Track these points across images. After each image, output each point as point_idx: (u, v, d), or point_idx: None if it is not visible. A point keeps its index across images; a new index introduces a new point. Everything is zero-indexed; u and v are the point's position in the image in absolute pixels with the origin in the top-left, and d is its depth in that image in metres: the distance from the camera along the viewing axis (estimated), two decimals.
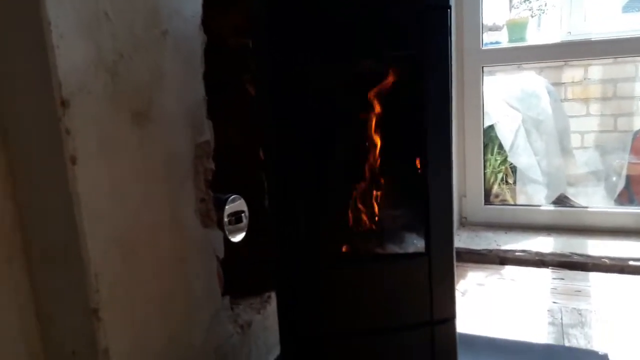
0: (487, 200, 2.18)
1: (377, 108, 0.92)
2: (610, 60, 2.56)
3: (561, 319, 1.38)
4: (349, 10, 0.83)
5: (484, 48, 1.99)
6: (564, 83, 2.74)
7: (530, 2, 3.01)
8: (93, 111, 0.72)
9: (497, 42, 2.54)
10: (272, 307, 1.24)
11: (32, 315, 0.78)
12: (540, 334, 1.31)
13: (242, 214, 1.12)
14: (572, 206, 2.30)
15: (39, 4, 0.65)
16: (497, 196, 2.60)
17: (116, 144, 0.77)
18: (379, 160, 0.96)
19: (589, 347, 1.23)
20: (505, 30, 2.64)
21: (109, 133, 0.75)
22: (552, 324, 1.36)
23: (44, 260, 0.76)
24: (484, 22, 2.01)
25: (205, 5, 0.97)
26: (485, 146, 2.17)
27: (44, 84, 0.67)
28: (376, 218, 1.01)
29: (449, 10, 0.84)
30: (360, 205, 0.98)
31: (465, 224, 2.10)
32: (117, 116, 0.77)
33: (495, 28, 2.73)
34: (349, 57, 0.88)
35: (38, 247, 0.75)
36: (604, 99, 2.70)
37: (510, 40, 2.52)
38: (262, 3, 0.82)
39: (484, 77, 2.02)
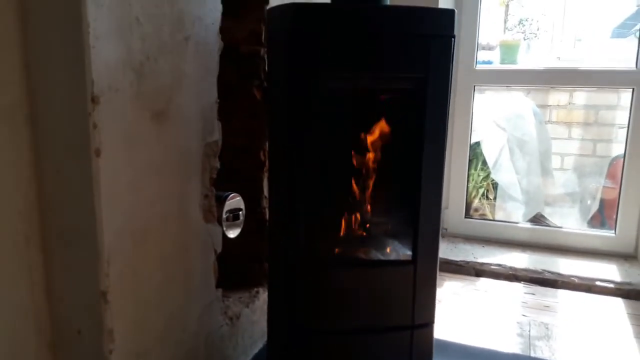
0: (468, 214, 2.27)
1: (379, 124, 0.99)
2: (595, 88, 2.67)
3: (529, 331, 1.47)
4: (362, 32, 0.90)
5: (477, 68, 2.08)
6: (550, 105, 2.84)
7: (523, 25, 3.11)
8: (118, 108, 0.78)
9: (489, 62, 2.63)
10: (260, 302, 1.30)
11: (43, 292, 0.83)
12: (508, 344, 1.40)
13: (240, 212, 1.18)
14: (548, 225, 2.40)
15: (80, 6, 0.70)
16: (476, 210, 2.68)
17: (137, 139, 0.82)
18: (375, 171, 1.03)
19: (553, 359, 1.32)
20: (498, 50, 2.72)
21: (131, 129, 0.81)
22: (520, 335, 1.45)
23: (60, 243, 0.81)
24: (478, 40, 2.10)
25: (223, 13, 1.03)
26: (470, 161, 2.26)
27: (77, 80, 0.72)
28: (367, 225, 1.08)
29: (453, 39, 0.92)
30: (354, 212, 1.05)
31: (445, 235, 2.19)
32: (139, 113, 0.82)
33: (488, 47, 2.82)
34: (359, 74, 0.94)
35: (56, 230, 0.80)
36: (585, 124, 2.81)
37: (502, 61, 2.61)
38: (285, 17, 0.89)
39: (475, 94, 2.11)
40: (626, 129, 1.95)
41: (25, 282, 0.80)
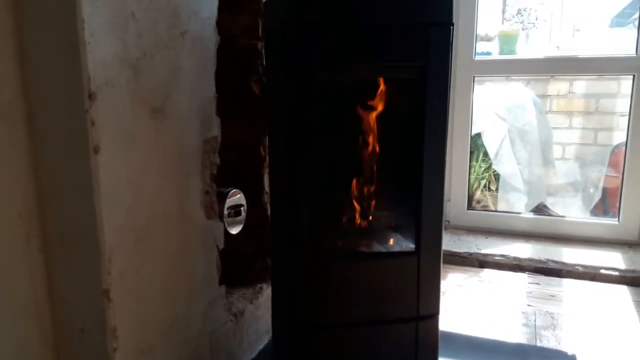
0: (470, 206, 2.26)
1: (378, 115, 0.98)
2: (595, 76, 2.66)
3: (534, 321, 1.47)
4: (360, 22, 0.89)
5: (476, 59, 2.07)
6: (550, 95, 2.84)
7: (522, 15, 3.10)
8: (116, 104, 0.77)
9: (487, 53, 2.62)
10: (264, 297, 1.29)
11: (45, 293, 0.83)
12: (514, 334, 1.39)
13: (241, 208, 1.18)
14: (550, 215, 2.39)
15: (75, 2, 0.69)
16: (479, 202, 2.68)
17: (135, 136, 0.82)
18: (376, 163, 1.02)
19: (559, 347, 1.32)
20: (496, 41, 2.72)
21: (129, 125, 0.80)
22: (526, 325, 1.44)
23: (61, 242, 0.80)
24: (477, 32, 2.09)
25: (219, 7, 1.02)
26: (471, 153, 2.25)
27: (74, 77, 0.72)
28: (370, 217, 1.07)
29: (451, 27, 0.91)
30: (356, 205, 1.04)
31: (448, 227, 2.18)
32: (137, 110, 0.82)
33: (487, 38, 2.81)
34: (357, 65, 0.93)
35: (56, 229, 0.80)
36: (586, 112, 2.80)
37: (501, 52, 2.60)
38: (281, 10, 0.88)
39: (474, 86, 2.10)
40: (627, 116, 1.94)
41: (27, 283, 0.80)
